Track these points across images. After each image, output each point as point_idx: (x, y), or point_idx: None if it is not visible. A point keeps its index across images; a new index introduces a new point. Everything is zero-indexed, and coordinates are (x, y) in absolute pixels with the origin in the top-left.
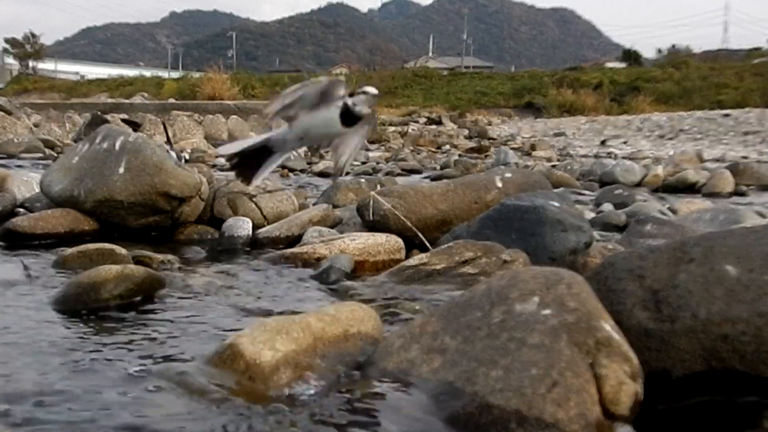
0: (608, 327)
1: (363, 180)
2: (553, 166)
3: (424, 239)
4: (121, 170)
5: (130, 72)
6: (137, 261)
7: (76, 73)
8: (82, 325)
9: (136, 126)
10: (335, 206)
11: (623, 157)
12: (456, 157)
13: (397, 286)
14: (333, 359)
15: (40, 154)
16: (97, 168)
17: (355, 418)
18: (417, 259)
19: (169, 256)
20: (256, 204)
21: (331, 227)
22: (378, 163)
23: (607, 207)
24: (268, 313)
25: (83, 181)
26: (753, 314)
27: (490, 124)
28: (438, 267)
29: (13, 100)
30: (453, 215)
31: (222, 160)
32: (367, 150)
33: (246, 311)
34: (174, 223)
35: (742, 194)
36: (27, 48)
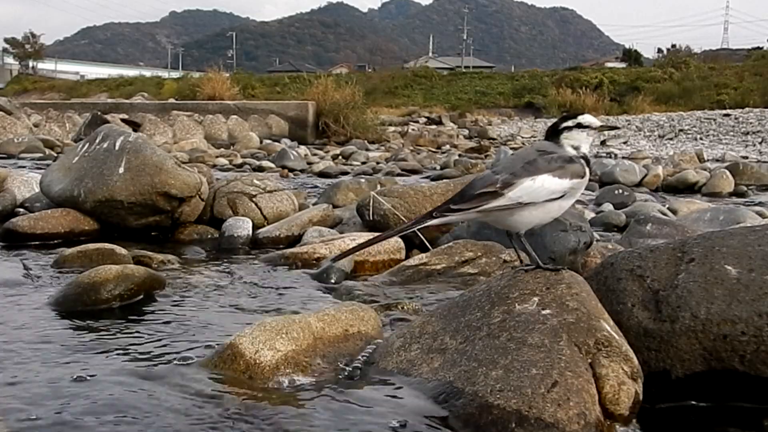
0: (608, 327)
1: (363, 180)
2: None
3: (424, 239)
4: (121, 170)
5: (130, 72)
6: (137, 261)
7: (76, 73)
8: (82, 325)
9: (136, 126)
10: (335, 206)
11: (623, 157)
12: (456, 157)
13: (397, 286)
14: (333, 359)
15: (40, 154)
16: (97, 168)
17: (355, 417)
18: (417, 259)
19: (169, 256)
20: (256, 204)
21: (331, 227)
22: (378, 163)
23: (607, 207)
24: (268, 313)
25: (83, 181)
26: (753, 314)
27: (490, 124)
28: (438, 267)
29: (13, 100)
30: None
31: (222, 160)
32: (367, 150)
33: (246, 311)
34: (174, 223)
35: (742, 194)
36: (27, 48)
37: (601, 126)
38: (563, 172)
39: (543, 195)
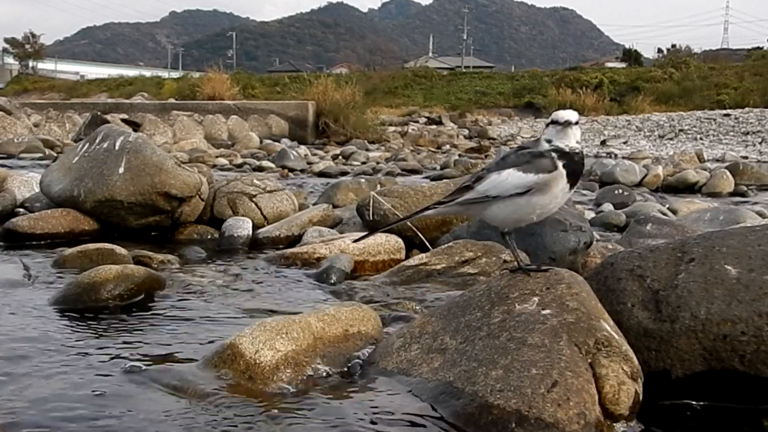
0: (608, 327)
1: (363, 180)
2: None
3: (424, 239)
4: (121, 170)
5: (130, 72)
6: (137, 261)
7: (76, 73)
8: (82, 325)
9: (136, 126)
10: (335, 206)
11: (623, 157)
12: (456, 157)
13: (397, 286)
14: (333, 359)
15: (40, 154)
16: (97, 168)
17: (355, 417)
18: (417, 259)
19: (169, 256)
20: (256, 204)
21: (331, 227)
22: (378, 163)
23: (607, 207)
24: (268, 313)
25: (83, 181)
26: (753, 314)
27: (490, 124)
28: (438, 267)
29: (13, 100)
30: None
31: (222, 160)
32: (367, 150)
33: (246, 311)
34: (174, 223)
35: (742, 194)
36: (27, 48)
37: (566, 121)
38: (529, 167)
39: (508, 189)
